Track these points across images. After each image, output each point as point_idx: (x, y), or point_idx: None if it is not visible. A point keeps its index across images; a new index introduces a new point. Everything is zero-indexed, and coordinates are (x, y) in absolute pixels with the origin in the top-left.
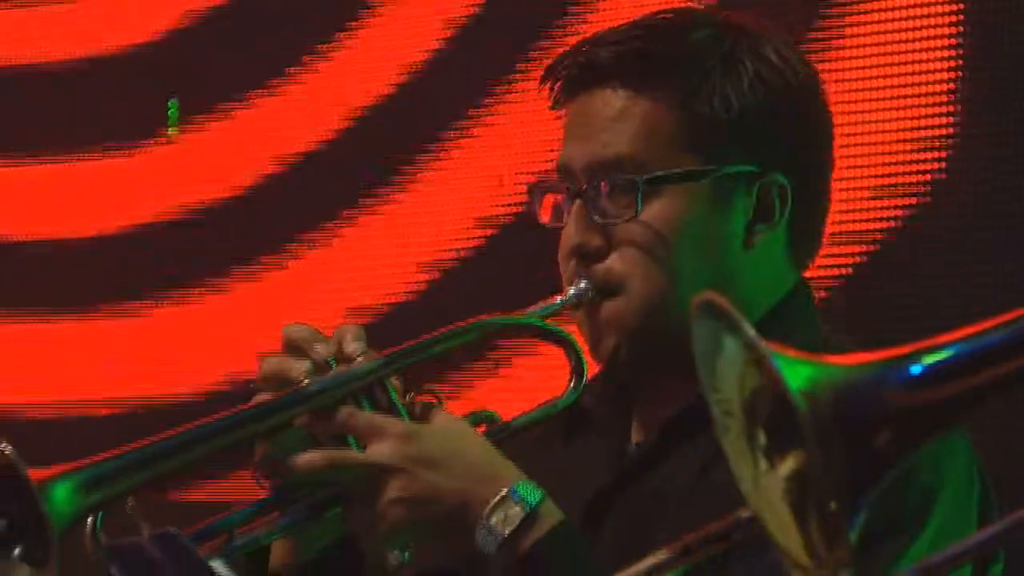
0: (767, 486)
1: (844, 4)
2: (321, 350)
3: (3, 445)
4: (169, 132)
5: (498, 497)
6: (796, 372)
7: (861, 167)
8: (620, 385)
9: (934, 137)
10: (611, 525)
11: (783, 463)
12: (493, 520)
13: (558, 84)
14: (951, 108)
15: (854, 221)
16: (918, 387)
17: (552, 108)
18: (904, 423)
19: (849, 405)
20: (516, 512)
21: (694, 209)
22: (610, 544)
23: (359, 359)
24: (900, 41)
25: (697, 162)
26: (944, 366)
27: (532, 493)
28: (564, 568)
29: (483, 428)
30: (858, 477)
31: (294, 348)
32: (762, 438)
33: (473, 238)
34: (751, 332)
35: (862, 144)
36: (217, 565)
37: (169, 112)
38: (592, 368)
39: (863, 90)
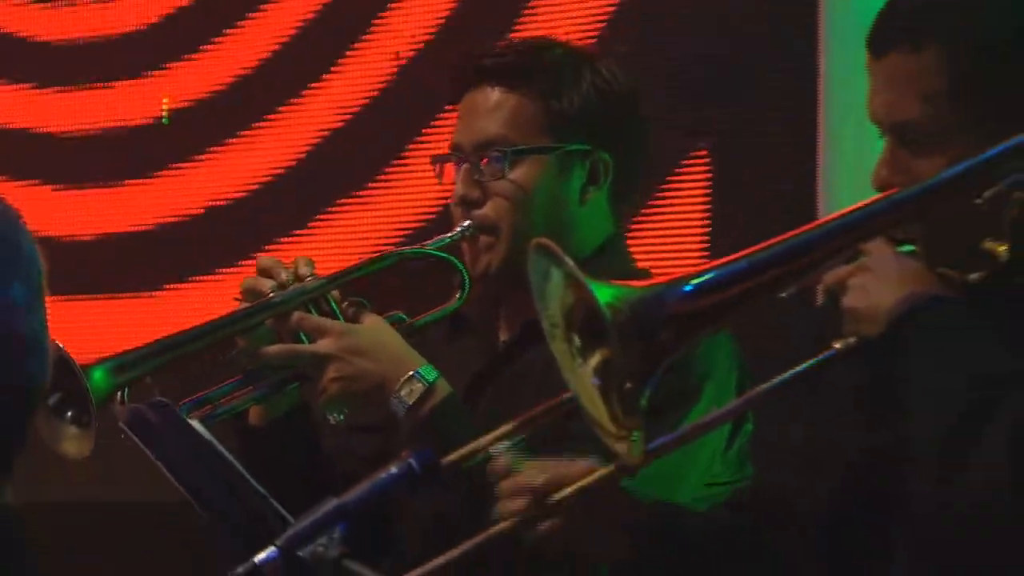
0: (581, 374)
1: None
2: (283, 273)
3: (56, 342)
4: (164, 122)
5: (406, 376)
6: (603, 291)
7: None
8: (492, 296)
9: None
10: (486, 399)
11: (592, 357)
12: (402, 393)
13: (456, 84)
14: None
15: None
16: (688, 299)
17: (450, 101)
18: (679, 325)
19: (640, 313)
20: (418, 387)
21: (545, 174)
22: (485, 412)
23: (309, 279)
24: None
25: (548, 141)
26: (706, 284)
27: (430, 374)
28: (451, 427)
29: (395, 325)
30: (646, 364)
31: (264, 272)
32: (577, 340)
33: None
34: (571, 264)
35: None
36: (196, 424)
37: (163, 108)
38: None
39: None
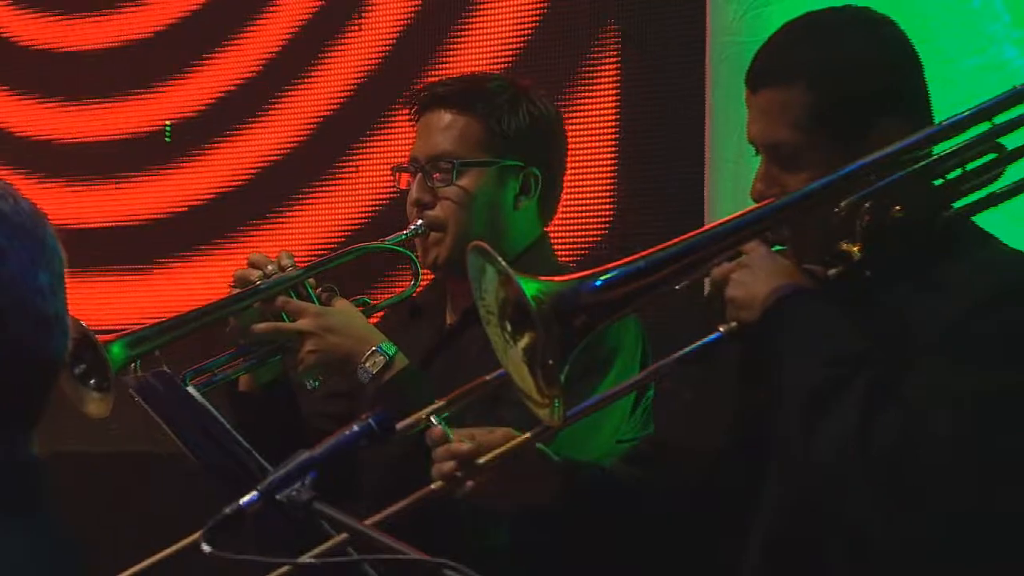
0: (512, 354)
1: None
2: (268, 265)
3: (80, 323)
4: (167, 140)
5: (370, 350)
6: (529, 286)
7: None
8: (440, 284)
9: None
10: (434, 372)
11: (521, 340)
12: (367, 364)
13: (414, 107)
14: None
15: None
16: (599, 292)
17: (411, 122)
18: (591, 312)
19: (560, 304)
20: (380, 360)
21: (486, 184)
22: (433, 384)
23: (289, 269)
24: None
25: (489, 156)
26: (613, 279)
27: (390, 348)
28: (408, 393)
29: (361, 308)
30: (565, 345)
31: (252, 264)
32: (508, 326)
33: None
34: (503, 263)
35: None
36: (192, 391)
37: (166, 130)
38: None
39: None
